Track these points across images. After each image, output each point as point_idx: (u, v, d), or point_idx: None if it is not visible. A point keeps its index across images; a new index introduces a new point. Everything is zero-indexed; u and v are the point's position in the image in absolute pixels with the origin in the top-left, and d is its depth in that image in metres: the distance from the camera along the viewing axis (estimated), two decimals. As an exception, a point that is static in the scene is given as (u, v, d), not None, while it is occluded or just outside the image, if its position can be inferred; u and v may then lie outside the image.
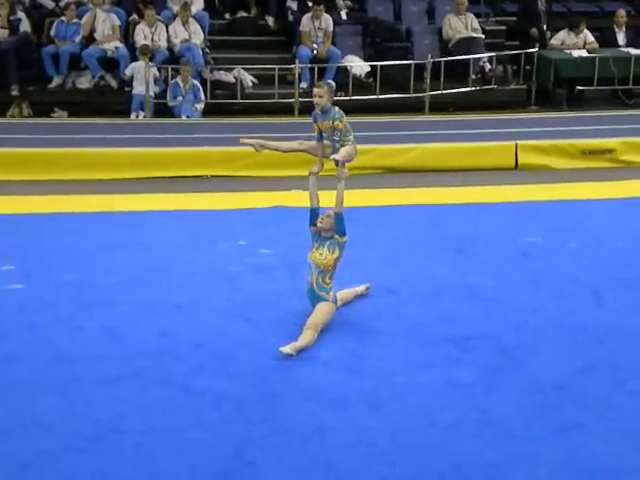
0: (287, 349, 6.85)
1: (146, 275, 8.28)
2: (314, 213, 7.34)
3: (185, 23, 14.02)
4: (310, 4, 14.55)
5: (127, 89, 13.60)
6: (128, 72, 13.54)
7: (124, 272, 8.30)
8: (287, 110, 13.40)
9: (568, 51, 14.85)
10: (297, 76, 13.50)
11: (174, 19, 14.16)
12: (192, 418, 6.13)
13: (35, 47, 13.98)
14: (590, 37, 15.17)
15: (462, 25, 14.87)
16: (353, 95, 13.51)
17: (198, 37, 14.04)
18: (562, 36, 15.18)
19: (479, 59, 14.57)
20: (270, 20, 15.56)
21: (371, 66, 14.23)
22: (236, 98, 13.57)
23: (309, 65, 13.96)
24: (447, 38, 14.92)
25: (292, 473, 5.62)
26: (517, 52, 14.69)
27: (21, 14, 13.85)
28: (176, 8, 14.28)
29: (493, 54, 14.56)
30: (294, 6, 15.16)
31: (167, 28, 14.00)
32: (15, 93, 13.55)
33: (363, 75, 14.34)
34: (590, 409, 6.31)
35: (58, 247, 8.83)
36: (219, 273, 8.36)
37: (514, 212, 10.10)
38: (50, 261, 8.53)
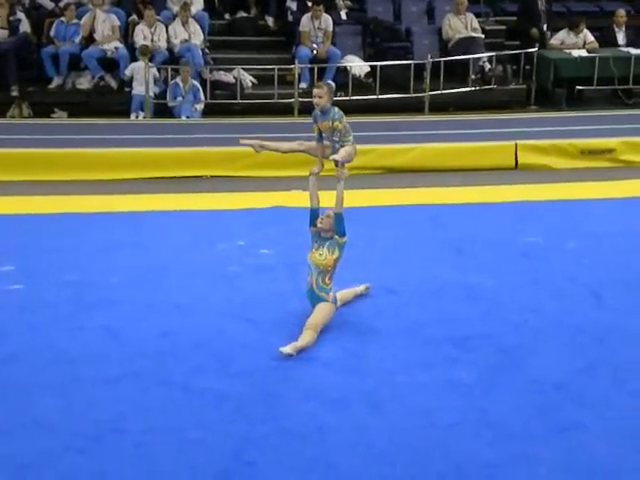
0: (287, 349, 6.86)
1: (146, 275, 8.28)
2: (314, 214, 7.34)
3: (185, 23, 14.02)
4: (310, 4, 14.55)
5: (127, 89, 13.61)
6: (128, 72, 13.55)
7: (124, 272, 8.30)
8: (287, 110, 13.40)
9: (568, 51, 14.86)
10: (297, 76, 13.51)
11: (174, 19, 14.17)
12: (192, 418, 6.13)
13: (35, 48, 13.99)
14: (590, 37, 15.17)
15: (462, 25, 14.87)
16: (353, 95, 13.52)
17: (198, 37, 14.04)
18: (562, 36, 15.18)
19: (479, 59, 14.57)
20: (270, 20, 15.56)
21: (371, 66, 14.23)
22: (236, 98, 13.58)
23: (309, 65, 13.96)
24: (447, 38, 14.92)
25: (292, 473, 5.63)
26: (517, 52, 14.69)
27: (21, 15, 13.86)
28: (176, 8, 14.28)
29: (493, 54, 14.55)
30: (294, 6, 15.17)
31: (167, 28, 14.01)
32: (15, 94, 13.55)
33: (363, 75, 14.34)
34: (590, 409, 6.31)
35: (58, 247, 8.84)
36: (219, 273, 8.36)
37: (514, 212, 10.10)
38: (50, 261, 8.53)
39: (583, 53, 14.72)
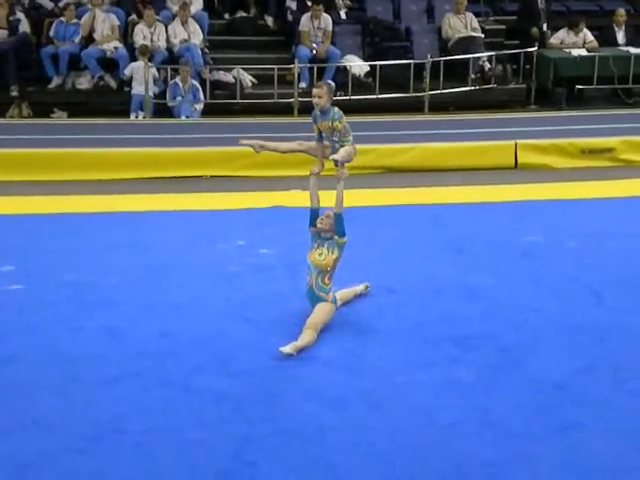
0: (287, 349, 6.85)
1: (146, 275, 8.28)
2: (314, 214, 7.33)
3: (184, 23, 14.02)
4: (309, 4, 14.55)
5: (126, 89, 13.61)
6: (127, 72, 13.54)
7: (124, 272, 8.30)
8: (286, 110, 13.40)
9: (568, 50, 14.86)
10: (296, 76, 13.51)
11: (173, 19, 14.17)
12: (192, 418, 6.13)
13: (34, 47, 14.00)
14: (590, 36, 15.18)
15: (461, 24, 14.87)
16: (353, 95, 13.52)
17: (197, 37, 14.04)
18: (562, 35, 15.19)
19: (478, 58, 14.57)
20: (269, 20, 15.57)
21: (370, 66, 14.23)
22: (235, 98, 13.58)
23: (308, 65, 13.96)
24: (446, 37, 14.92)
25: (292, 473, 5.62)
26: (517, 51, 14.70)
27: (20, 15, 13.87)
28: (175, 8, 14.28)
29: (492, 53, 14.56)
30: (293, 6, 15.17)
31: (166, 28, 14.01)
32: (15, 94, 13.56)
33: (362, 75, 14.33)
34: (590, 408, 6.30)
35: (58, 247, 8.83)
36: (219, 273, 8.36)
37: (514, 211, 10.10)
38: (50, 261, 8.53)
39: (583, 52, 14.73)
